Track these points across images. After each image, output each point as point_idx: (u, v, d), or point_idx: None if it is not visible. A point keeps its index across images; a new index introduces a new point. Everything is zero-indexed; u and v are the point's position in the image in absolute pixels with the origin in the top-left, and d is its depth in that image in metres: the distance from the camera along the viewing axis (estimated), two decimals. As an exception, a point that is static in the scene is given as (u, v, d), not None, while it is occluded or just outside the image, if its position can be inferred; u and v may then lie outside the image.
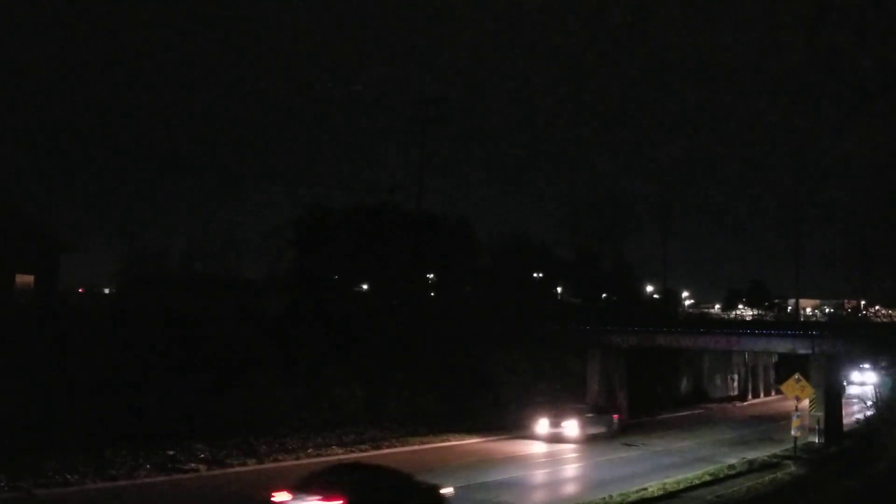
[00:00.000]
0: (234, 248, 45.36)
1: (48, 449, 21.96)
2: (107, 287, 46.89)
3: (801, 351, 39.39)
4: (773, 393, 62.69)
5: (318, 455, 26.88)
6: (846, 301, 78.71)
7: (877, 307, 64.56)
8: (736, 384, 62.87)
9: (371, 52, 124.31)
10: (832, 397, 38.38)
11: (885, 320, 57.89)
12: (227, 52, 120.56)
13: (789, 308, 77.99)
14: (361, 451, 28.51)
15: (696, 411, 52.09)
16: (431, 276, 50.42)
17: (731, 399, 60.25)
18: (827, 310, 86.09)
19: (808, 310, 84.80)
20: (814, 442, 34.94)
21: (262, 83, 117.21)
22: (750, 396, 62.30)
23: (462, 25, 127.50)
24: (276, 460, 25.54)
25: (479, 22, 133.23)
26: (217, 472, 23.34)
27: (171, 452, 24.06)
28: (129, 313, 30.88)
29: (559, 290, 62.20)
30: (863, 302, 69.50)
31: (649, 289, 70.46)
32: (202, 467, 23.53)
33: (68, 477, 20.51)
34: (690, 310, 79.66)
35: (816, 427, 35.73)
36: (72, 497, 18.95)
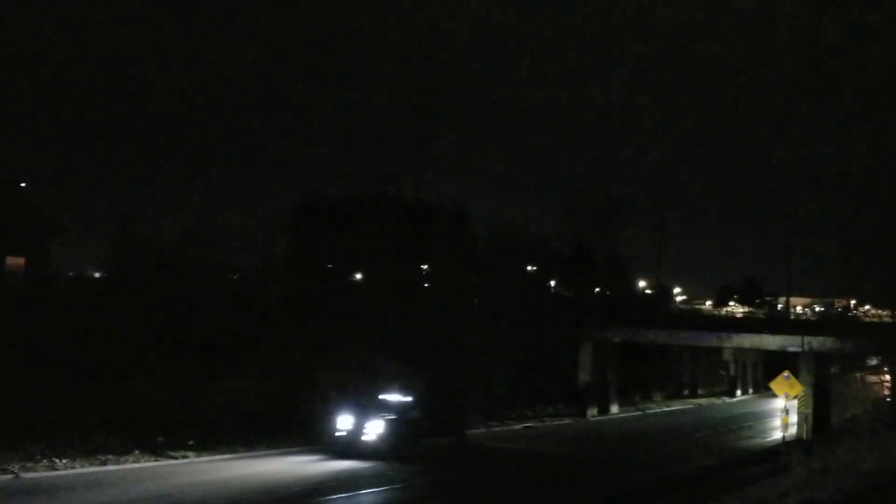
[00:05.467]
0: (227, 233, 45.17)
1: (37, 432, 21.90)
2: (97, 271, 46.65)
3: (791, 348, 39.63)
4: (762, 390, 63.14)
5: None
6: (837, 300, 79.04)
7: (867, 307, 64.80)
8: (726, 380, 63.24)
9: (370, 39, 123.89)
10: (821, 395, 38.62)
11: (874, 320, 58.14)
12: (223, 37, 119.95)
13: (780, 306, 78.28)
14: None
15: (672, 408, 52.34)
16: (426, 266, 50.38)
17: (720, 394, 60.63)
18: (817, 308, 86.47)
19: (799, 308, 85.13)
20: (801, 438, 35.23)
21: (259, 68, 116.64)
22: (739, 393, 62.68)
23: (464, 13, 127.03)
24: (266, 447, 25.56)
25: (483, 10, 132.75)
26: (207, 458, 23.34)
27: (162, 439, 24.03)
28: (121, 298, 30.76)
29: (553, 283, 62.22)
30: (853, 301, 69.80)
31: (642, 284, 70.61)
32: (192, 454, 23.53)
33: (56, 461, 20.49)
34: (682, 305, 79.82)
35: (805, 424, 36.02)
36: (60, 481, 18.91)
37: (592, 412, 43.28)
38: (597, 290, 63.28)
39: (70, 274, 44.22)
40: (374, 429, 24.29)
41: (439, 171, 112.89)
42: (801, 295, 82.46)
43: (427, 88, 48.50)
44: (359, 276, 47.49)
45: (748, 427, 42.73)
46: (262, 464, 22.65)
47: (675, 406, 51.74)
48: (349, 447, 23.98)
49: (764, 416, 46.34)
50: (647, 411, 48.00)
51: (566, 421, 40.60)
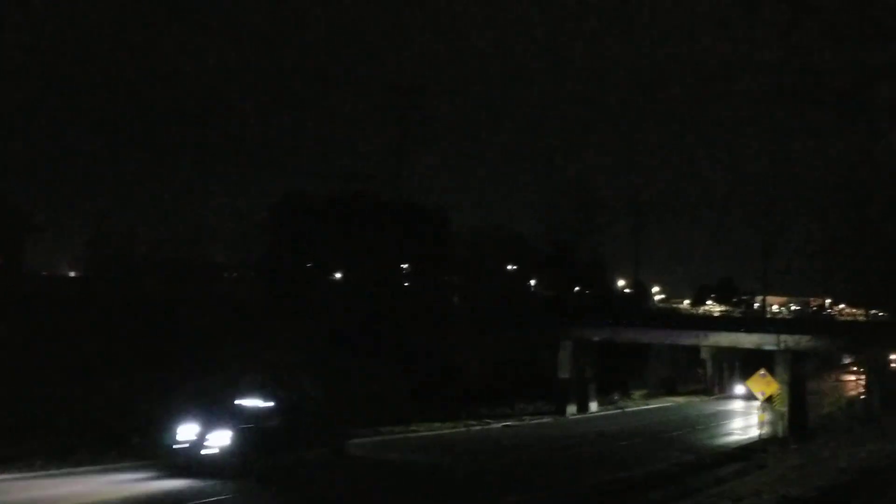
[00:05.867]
0: (205, 232, 44.95)
1: (10, 434, 21.53)
2: (72, 270, 46.21)
3: (768, 347, 40.08)
4: (739, 387, 63.74)
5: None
6: (812, 299, 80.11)
7: (841, 306, 65.79)
8: (703, 378, 63.79)
9: (350, 36, 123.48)
10: (797, 393, 39.09)
11: (848, 319, 59.06)
12: (203, 35, 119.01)
13: (756, 305, 79.13)
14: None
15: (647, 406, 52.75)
16: (406, 266, 50.41)
17: (697, 393, 61.14)
18: (793, 307, 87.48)
19: (776, 307, 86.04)
20: (778, 436, 35.64)
21: (236, 66, 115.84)
22: (717, 390, 63.22)
23: (444, 10, 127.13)
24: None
25: (462, 9, 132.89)
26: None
27: (139, 440, 23.77)
28: (96, 297, 30.49)
29: (533, 282, 62.50)
30: (828, 300, 70.81)
31: (621, 283, 71.10)
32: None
33: (30, 462, 20.19)
34: (661, 304, 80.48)
35: (781, 422, 36.45)
36: (33, 483, 18.64)
37: (572, 410, 43.49)
38: (577, 289, 63.65)
39: (44, 273, 43.78)
40: (219, 440, 19.90)
41: (420, 171, 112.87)
42: (777, 294, 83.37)
43: (407, 87, 48.49)
44: (338, 275, 47.45)
45: (725, 424, 43.15)
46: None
47: (654, 404, 52.14)
48: (189, 462, 19.88)
49: (741, 414, 46.81)
50: (626, 409, 48.32)
51: (546, 419, 40.74)
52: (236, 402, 22.18)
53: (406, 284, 48.92)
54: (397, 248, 45.43)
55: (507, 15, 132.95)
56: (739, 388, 55.95)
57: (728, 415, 48.22)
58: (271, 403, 22.27)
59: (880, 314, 47.24)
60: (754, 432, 33.89)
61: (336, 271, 47.43)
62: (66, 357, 26.28)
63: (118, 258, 41.84)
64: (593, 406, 45.68)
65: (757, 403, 33.91)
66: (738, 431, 38.82)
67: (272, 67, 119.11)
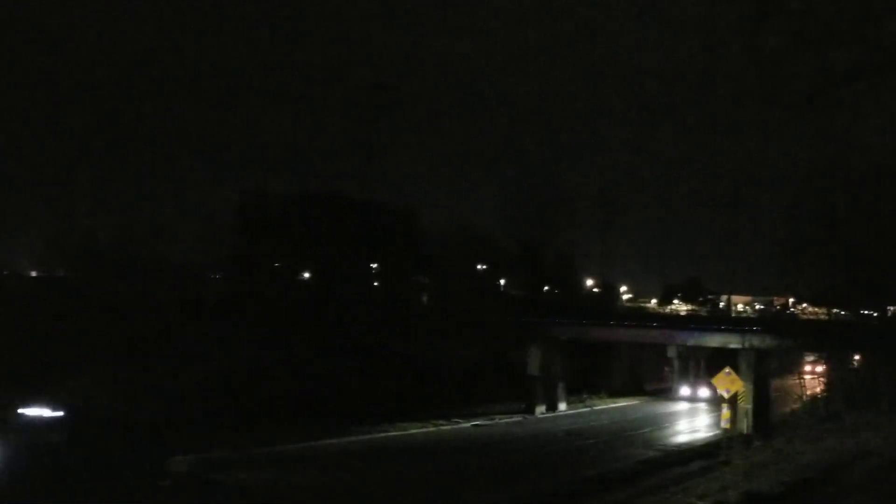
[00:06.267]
0: (170, 231, 44.37)
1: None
2: (33, 270, 45.32)
3: (733, 345, 40.64)
4: (705, 386, 64.49)
5: (266, 446, 26.55)
6: (776, 298, 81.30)
7: (804, 305, 66.83)
8: (670, 377, 64.41)
9: (320, 35, 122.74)
10: (761, 390, 39.69)
11: (811, 317, 60.04)
12: (173, 33, 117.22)
13: (722, 304, 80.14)
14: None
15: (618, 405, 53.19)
16: (375, 265, 50.23)
17: (664, 391, 61.73)
18: (758, 306, 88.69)
19: (740, 306, 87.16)
20: (742, 433, 36.16)
21: (205, 62, 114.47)
22: (681, 389, 63.86)
23: (413, 11, 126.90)
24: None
25: (432, 9, 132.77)
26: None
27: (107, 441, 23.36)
28: (57, 297, 29.92)
29: (502, 281, 62.68)
30: (791, 299, 71.92)
31: (589, 282, 71.58)
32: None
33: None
34: (628, 303, 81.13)
35: (745, 419, 36.99)
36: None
37: (541, 409, 43.68)
38: (545, 288, 63.97)
39: (5, 273, 42.91)
40: None
41: (389, 170, 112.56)
42: (742, 293, 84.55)
43: (377, 85, 48.28)
44: (307, 274, 47.12)
45: (691, 422, 43.67)
46: None
47: (622, 402, 52.56)
48: None
49: (707, 411, 47.42)
50: (595, 407, 48.66)
51: (515, 418, 40.89)
52: (21, 411, 19.40)
53: (375, 284, 48.75)
54: (366, 248, 45.25)
55: (477, 14, 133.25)
56: (685, 390, 56.40)
57: (695, 412, 48.82)
58: (57, 414, 19.51)
59: (842, 313, 48.12)
60: (712, 427, 34.38)
61: (304, 270, 47.12)
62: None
63: (79, 257, 41.20)
64: (562, 405, 45.93)
65: (701, 405, 34.43)
66: (705, 429, 39.40)
67: (241, 64, 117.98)
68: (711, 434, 36.34)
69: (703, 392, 54.38)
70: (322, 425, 30.27)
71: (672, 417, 45.55)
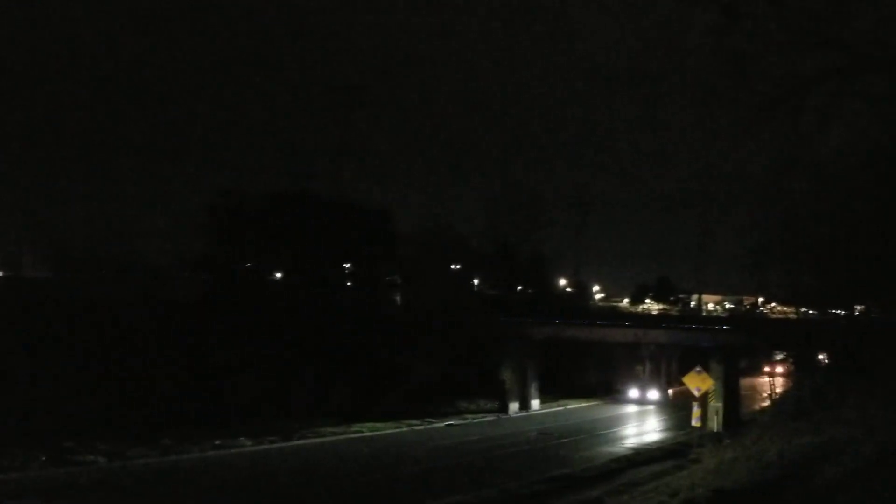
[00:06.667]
0: (141, 231, 43.83)
1: None
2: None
3: (703, 344, 41.12)
4: (676, 385, 65.07)
5: (227, 447, 26.33)
6: (745, 298, 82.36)
7: (773, 304, 67.77)
8: (642, 375, 64.90)
9: (293, 34, 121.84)
10: (731, 388, 40.18)
11: (780, 317, 60.91)
12: (138, 27, 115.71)
13: (693, 303, 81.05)
14: (271, 442, 28.09)
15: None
16: (349, 265, 50.01)
17: (623, 392, 62.08)
18: (728, 305, 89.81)
19: (711, 305, 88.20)
20: (713, 430, 36.55)
21: (175, 61, 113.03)
22: (653, 388, 64.42)
23: (388, 11, 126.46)
24: (180, 452, 24.81)
25: (407, 10, 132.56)
26: (118, 464, 22.49)
27: (70, 444, 23.06)
28: (24, 298, 29.41)
29: (476, 281, 62.78)
30: (761, 299, 72.91)
31: (563, 282, 71.99)
32: (102, 459, 22.64)
33: None
34: (601, 303, 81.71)
35: (716, 417, 37.42)
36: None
37: (514, 408, 43.84)
38: (519, 288, 64.17)
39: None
40: None
41: (365, 171, 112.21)
42: (712, 293, 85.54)
43: (350, 85, 48.17)
44: (279, 274, 46.79)
45: (664, 420, 44.03)
46: None
47: (595, 401, 52.85)
48: None
49: (677, 409, 47.82)
50: (568, 406, 48.90)
51: (489, 417, 40.98)
52: None
53: (349, 284, 48.55)
54: (339, 248, 45.04)
55: (452, 15, 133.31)
56: (633, 392, 54.45)
57: (666, 410, 49.22)
58: None
59: (810, 312, 48.86)
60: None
61: (277, 271, 46.77)
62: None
63: (49, 257, 40.57)
64: (535, 404, 46.11)
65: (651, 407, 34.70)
66: (676, 427, 39.73)
67: (212, 63, 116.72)
68: (684, 432, 36.58)
69: (653, 394, 53.93)
70: (282, 426, 30.11)
71: (645, 415, 45.95)
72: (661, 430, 39.31)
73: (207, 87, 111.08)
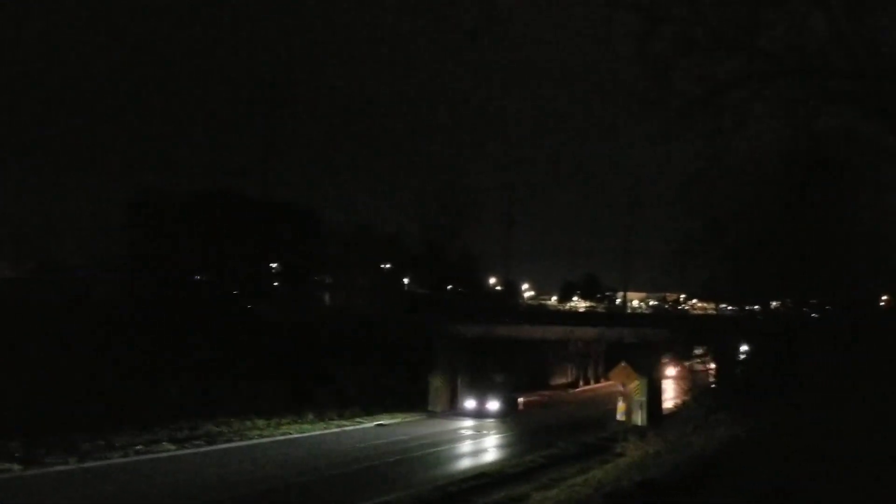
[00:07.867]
0: (58, 231, 42.06)
1: None
2: None
3: (628, 339, 42.15)
4: (602, 380, 66.46)
5: (148, 452, 25.52)
6: (668, 294, 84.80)
7: (694, 300, 70.02)
8: (570, 372, 66.10)
9: (217, 30, 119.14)
10: (654, 383, 41.28)
11: (700, 312, 63.01)
12: (61, 25, 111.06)
13: (618, 300, 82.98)
14: (195, 446, 27.38)
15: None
16: (275, 265, 49.21)
17: (565, 386, 63.21)
18: (652, 302, 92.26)
19: (636, 302, 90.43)
20: (637, 424, 37.47)
21: (98, 56, 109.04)
22: (582, 383, 65.72)
23: (315, 8, 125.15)
24: (101, 459, 23.92)
25: (334, 7, 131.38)
26: (34, 472, 21.51)
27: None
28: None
29: (406, 280, 62.73)
30: (682, 295, 75.26)
31: (492, 280, 72.63)
32: (17, 467, 21.64)
33: None
34: (530, 301, 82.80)
35: (640, 411, 38.38)
36: None
37: (444, 407, 43.80)
38: (449, 286, 64.41)
39: None
40: None
41: (289, 169, 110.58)
42: (637, 290, 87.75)
43: (273, 81, 47.44)
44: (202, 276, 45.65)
45: (596, 417, 44.80)
46: None
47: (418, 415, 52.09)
48: None
49: (608, 404, 48.78)
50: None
51: (419, 417, 40.90)
52: None
53: (276, 284, 47.80)
54: (264, 248, 44.27)
55: (380, 13, 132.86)
56: (470, 403, 42.82)
57: (593, 405, 50.15)
58: None
59: (729, 308, 50.65)
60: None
61: (200, 270, 45.62)
62: None
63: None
64: (466, 403, 46.15)
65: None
66: (605, 422, 40.50)
67: (133, 58, 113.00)
68: (613, 426, 37.03)
69: (493, 405, 42.72)
70: (208, 429, 29.35)
71: (575, 412, 46.61)
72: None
73: (130, 85, 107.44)
